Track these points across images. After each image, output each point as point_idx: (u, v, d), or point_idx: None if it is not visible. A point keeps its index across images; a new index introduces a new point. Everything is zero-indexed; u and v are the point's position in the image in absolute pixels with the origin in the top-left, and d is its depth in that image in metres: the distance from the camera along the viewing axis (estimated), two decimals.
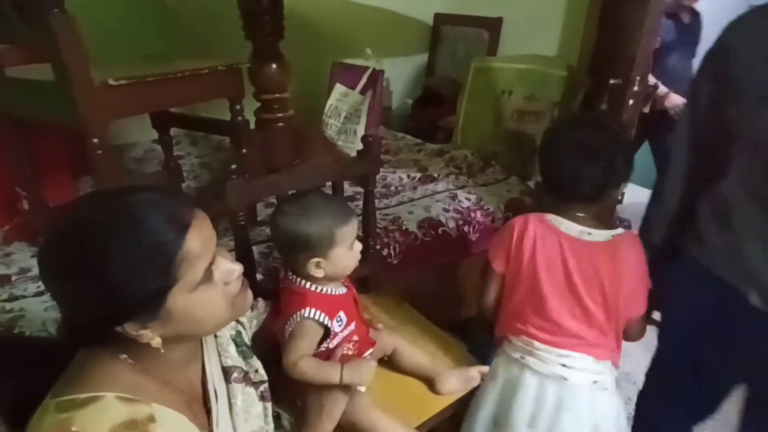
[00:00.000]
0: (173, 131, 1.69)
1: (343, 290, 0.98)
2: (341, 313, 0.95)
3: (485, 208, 1.60)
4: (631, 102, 1.11)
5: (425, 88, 2.71)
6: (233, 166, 0.91)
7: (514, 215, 1.65)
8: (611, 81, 1.16)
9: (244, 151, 1.26)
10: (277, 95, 1.55)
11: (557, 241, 0.97)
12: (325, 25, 2.35)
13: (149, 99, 1.03)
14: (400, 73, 2.78)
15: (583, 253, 0.96)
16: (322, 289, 0.94)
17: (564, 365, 0.96)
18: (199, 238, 0.56)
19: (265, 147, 1.56)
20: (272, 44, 1.50)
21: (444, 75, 2.70)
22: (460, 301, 1.77)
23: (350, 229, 0.93)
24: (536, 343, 0.98)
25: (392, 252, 1.39)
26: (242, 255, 1.02)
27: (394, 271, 1.40)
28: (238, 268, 0.63)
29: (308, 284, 0.93)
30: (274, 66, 1.51)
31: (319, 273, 0.91)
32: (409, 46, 2.77)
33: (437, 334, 1.21)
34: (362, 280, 1.31)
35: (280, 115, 1.58)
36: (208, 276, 0.58)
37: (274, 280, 1.20)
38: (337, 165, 1.13)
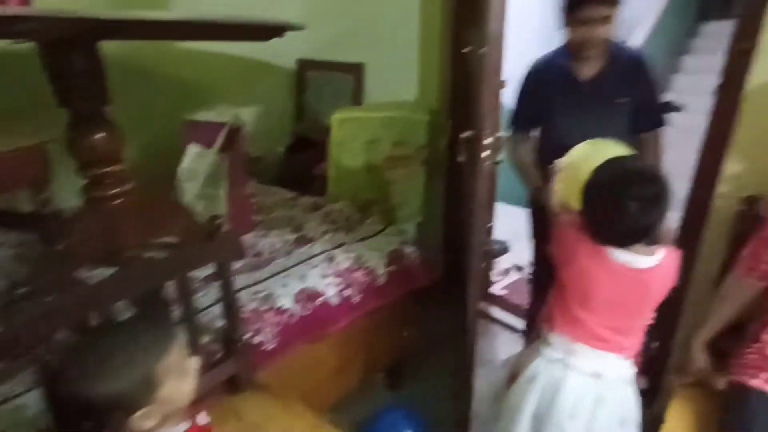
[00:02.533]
0: None
1: (181, 428, 0.77)
2: None
3: (366, 266, 1.51)
4: (484, 154, 1.10)
5: (295, 135, 2.61)
6: (20, 290, 0.69)
7: (397, 269, 1.60)
8: (463, 134, 1.15)
9: (60, 248, 1.02)
10: (110, 168, 1.32)
11: (612, 268, 1.01)
12: (172, 78, 2.14)
13: None
14: (270, 120, 2.65)
15: (634, 280, 1.01)
16: None
17: (602, 364, 1.07)
18: None
19: (100, 232, 1.31)
20: (96, 110, 1.28)
21: (314, 119, 2.62)
22: (352, 370, 1.65)
23: (175, 354, 0.73)
24: (578, 345, 1.08)
25: (266, 337, 1.22)
26: None
27: (271, 359, 1.23)
28: None
29: None
30: (101, 135, 1.28)
31: (148, 423, 0.70)
32: (275, 92, 2.66)
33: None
34: (231, 380, 1.13)
35: (117, 190, 1.34)
36: None
37: None
38: (174, 261, 0.94)
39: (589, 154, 1.13)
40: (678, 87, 4.23)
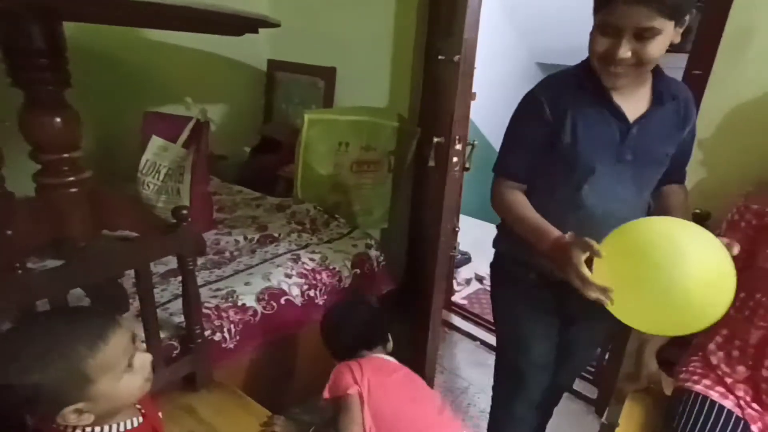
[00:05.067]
0: None
1: (134, 421, 0.73)
2: None
3: (331, 267, 1.49)
4: (454, 159, 1.12)
5: (261, 135, 2.57)
6: None
7: (361, 273, 1.59)
8: (435, 139, 1.17)
9: (9, 233, 0.95)
10: (65, 155, 1.25)
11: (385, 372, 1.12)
12: (136, 68, 2.07)
13: None
14: (236, 119, 2.60)
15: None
16: None
17: None
18: None
19: (50, 220, 1.24)
20: (54, 93, 1.21)
21: (281, 121, 2.60)
22: (312, 371, 1.62)
23: (114, 349, 0.66)
24: None
25: (227, 335, 1.19)
26: None
27: (230, 357, 1.20)
28: None
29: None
30: (57, 119, 1.21)
31: (85, 419, 0.65)
32: (243, 91, 2.62)
33: None
34: (188, 377, 1.08)
35: (72, 178, 1.27)
36: None
37: None
38: (131, 251, 0.89)
39: (674, 257, 0.74)
40: None
